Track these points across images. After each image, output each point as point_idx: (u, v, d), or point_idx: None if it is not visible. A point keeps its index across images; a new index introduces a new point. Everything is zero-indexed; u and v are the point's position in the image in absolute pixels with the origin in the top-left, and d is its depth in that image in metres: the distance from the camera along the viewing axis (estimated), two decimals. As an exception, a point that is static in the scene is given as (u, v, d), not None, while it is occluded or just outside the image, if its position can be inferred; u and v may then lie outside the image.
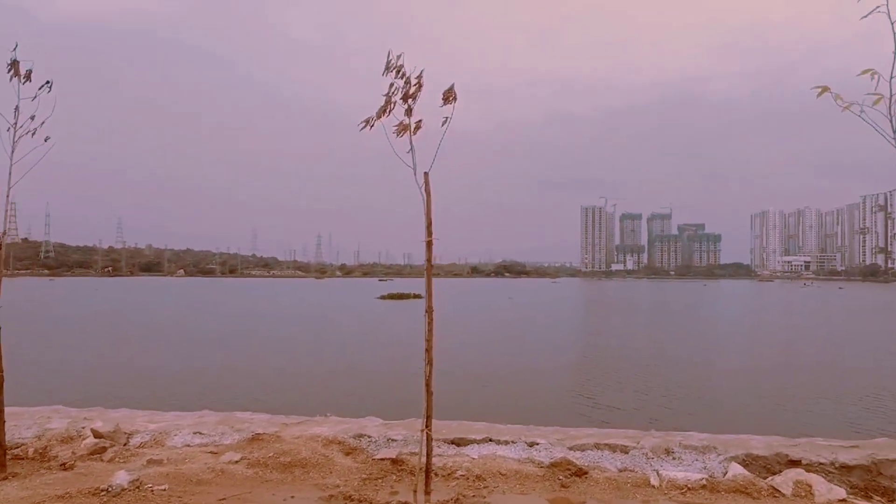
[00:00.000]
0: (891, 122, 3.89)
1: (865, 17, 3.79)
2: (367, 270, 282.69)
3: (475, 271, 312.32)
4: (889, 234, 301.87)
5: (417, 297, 68.31)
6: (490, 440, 5.03)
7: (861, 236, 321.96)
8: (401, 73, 4.62)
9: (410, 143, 4.57)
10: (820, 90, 3.93)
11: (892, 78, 3.85)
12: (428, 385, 4.29)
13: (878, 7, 3.67)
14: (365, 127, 4.72)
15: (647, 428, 8.13)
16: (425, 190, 4.46)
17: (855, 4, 3.72)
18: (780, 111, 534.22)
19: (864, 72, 3.93)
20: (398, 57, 4.63)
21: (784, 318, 47.19)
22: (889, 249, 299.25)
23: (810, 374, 19.04)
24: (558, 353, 23.37)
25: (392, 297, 66.99)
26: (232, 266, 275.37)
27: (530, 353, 23.60)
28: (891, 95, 3.87)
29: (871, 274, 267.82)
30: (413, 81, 4.61)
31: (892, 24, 3.72)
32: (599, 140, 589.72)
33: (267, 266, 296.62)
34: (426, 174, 4.48)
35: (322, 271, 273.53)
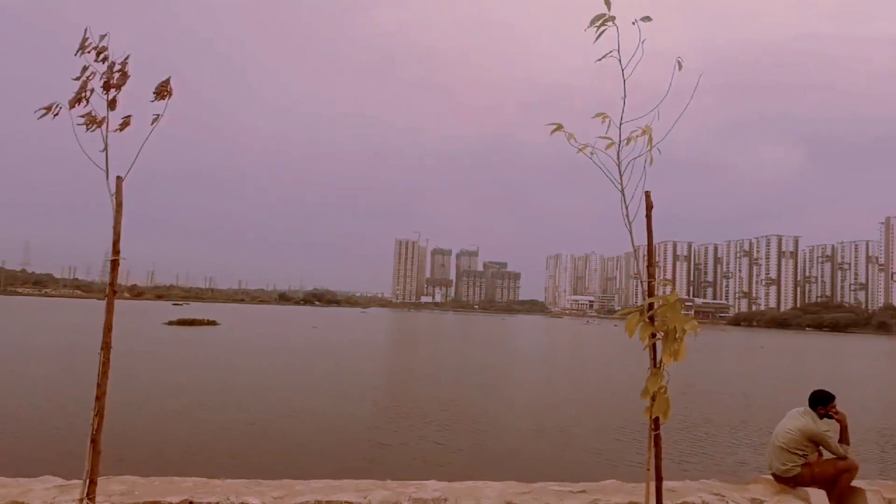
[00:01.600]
0: (619, 166, 3.93)
1: (600, 60, 3.81)
2: (162, 293, 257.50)
3: (283, 298, 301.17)
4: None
5: (212, 323, 63.48)
6: (190, 503, 4.15)
7: (635, 281, 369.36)
8: (102, 55, 3.73)
9: (105, 140, 3.67)
10: (554, 127, 3.85)
11: (621, 123, 3.91)
12: (95, 442, 3.33)
13: (610, 52, 3.68)
14: (46, 114, 3.74)
15: (412, 473, 7.71)
16: (116, 199, 3.57)
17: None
18: (576, 164, 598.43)
19: (597, 115, 3.94)
20: (102, 37, 3.74)
21: (568, 353, 51.50)
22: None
23: (583, 409, 20.43)
24: (352, 385, 22.57)
25: (182, 322, 61.27)
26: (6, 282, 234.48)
27: (317, 388, 22.50)
28: (619, 139, 3.92)
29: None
30: (117, 68, 3.75)
31: (623, 69, 3.77)
32: (417, 176, 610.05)
33: (40, 284, 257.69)
34: (119, 179, 3.60)
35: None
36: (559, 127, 3.82)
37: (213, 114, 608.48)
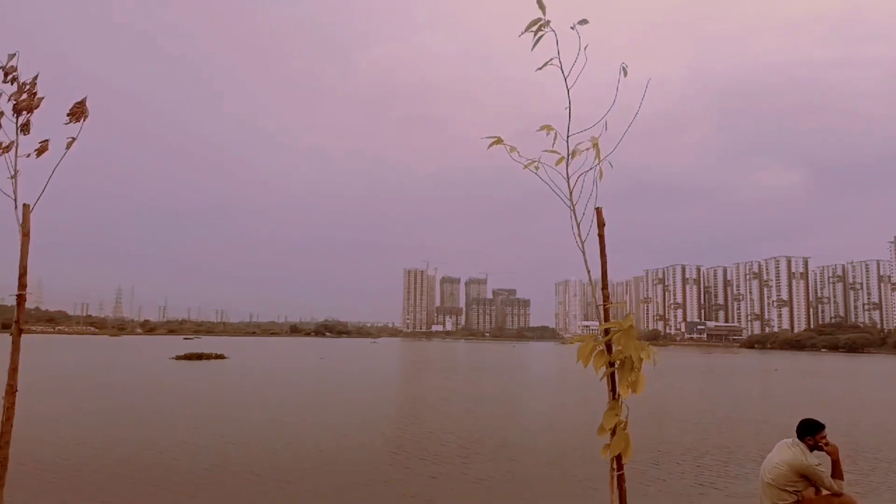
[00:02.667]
0: (567, 181, 3.65)
1: (540, 69, 3.57)
2: (174, 328, 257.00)
3: (294, 330, 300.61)
4: (666, 304, 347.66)
5: (220, 357, 63.13)
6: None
7: (644, 305, 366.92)
8: (10, 76, 3.53)
9: (14, 168, 3.44)
10: (493, 141, 3.59)
11: (568, 136, 3.65)
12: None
13: (551, 59, 3.44)
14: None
15: None
16: (23, 229, 3.32)
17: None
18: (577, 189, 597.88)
19: (542, 128, 3.68)
20: (11, 56, 3.55)
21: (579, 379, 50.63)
22: (666, 317, 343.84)
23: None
24: (354, 417, 22.08)
25: (189, 357, 60.93)
26: (6, 320, 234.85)
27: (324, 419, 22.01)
28: (568, 153, 3.65)
29: (653, 338, 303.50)
30: (26, 88, 3.54)
31: (565, 77, 3.52)
32: (420, 209, 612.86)
33: (53, 321, 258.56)
34: (27, 207, 3.36)
35: (121, 328, 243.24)
36: (498, 140, 3.57)
37: (212, 149, 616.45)
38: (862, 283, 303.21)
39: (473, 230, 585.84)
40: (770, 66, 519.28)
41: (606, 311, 3.49)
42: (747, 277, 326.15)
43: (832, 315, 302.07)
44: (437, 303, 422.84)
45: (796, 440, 5.22)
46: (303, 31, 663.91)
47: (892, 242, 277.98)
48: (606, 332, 3.39)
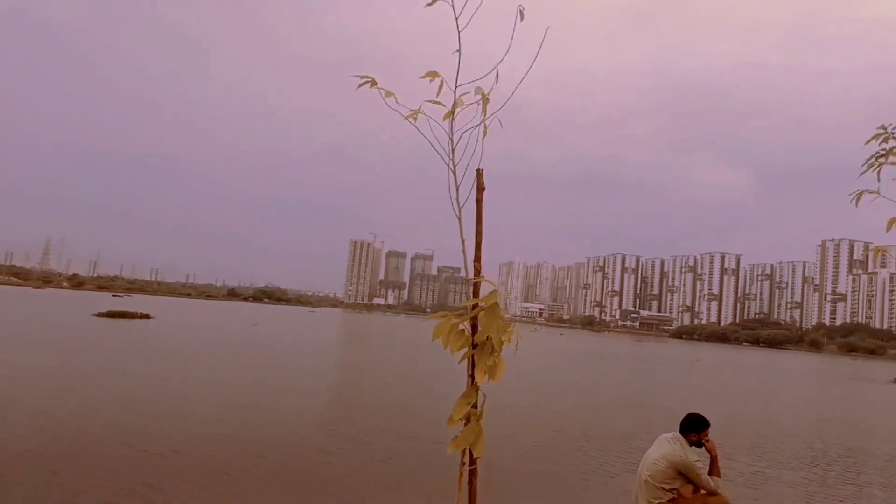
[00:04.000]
0: (450, 138, 3.22)
1: (430, 4, 3.11)
2: (105, 284, 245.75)
3: (232, 294, 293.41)
4: (604, 291, 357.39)
5: (145, 316, 60.77)
6: None
7: (584, 291, 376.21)
8: None
9: None
10: (364, 81, 3.10)
11: (456, 86, 3.20)
12: None
13: (437, -8, 2.96)
14: None
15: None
16: None
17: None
18: (532, 174, 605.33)
19: (427, 75, 3.22)
20: None
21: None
22: (603, 304, 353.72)
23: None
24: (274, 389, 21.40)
25: (112, 314, 58.35)
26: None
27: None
28: (454, 105, 3.20)
29: (589, 323, 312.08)
30: None
31: (457, 17, 3.06)
32: (375, 178, 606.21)
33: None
34: None
35: (46, 280, 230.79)
36: (373, 82, 3.08)
37: (161, 95, 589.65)
38: (787, 283, 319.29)
39: (424, 204, 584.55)
40: (725, 67, 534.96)
41: (476, 286, 3.07)
42: (683, 270, 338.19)
43: (757, 311, 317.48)
44: (382, 276, 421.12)
45: (677, 434, 5.00)
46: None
47: (818, 246, 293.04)
48: (475, 308, 2.97)
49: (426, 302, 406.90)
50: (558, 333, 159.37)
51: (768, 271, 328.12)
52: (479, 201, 3.17)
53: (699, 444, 4.88)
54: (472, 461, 2.94)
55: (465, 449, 2.87)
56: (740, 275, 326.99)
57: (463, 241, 3.20)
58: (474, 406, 2.91)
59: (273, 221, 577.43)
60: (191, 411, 15.42)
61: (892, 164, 3.52)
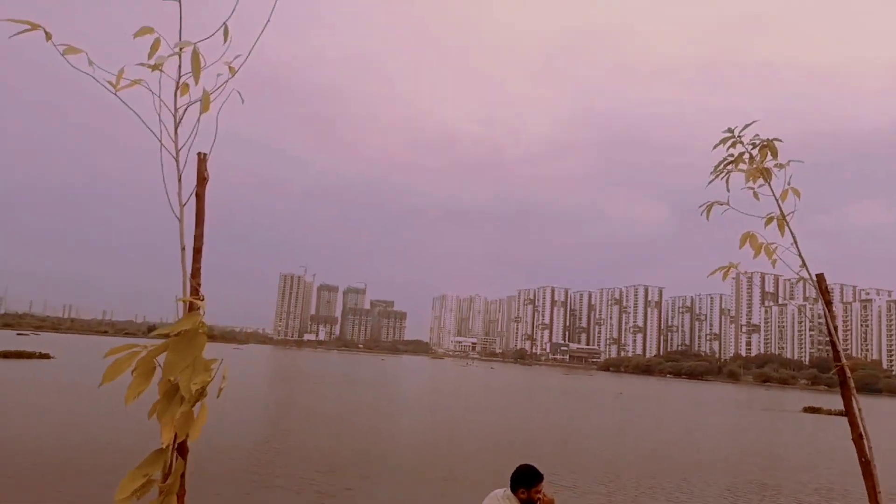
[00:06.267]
0: (174, 114, 2.46)
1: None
2: (11, 321, 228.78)
3: (152, 331, 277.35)
4: (535, 324, 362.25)
5: (45, 356, 56.23)
6: None
7: (515, 324, 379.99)
8: None
9: None
10: (66, 48, 2.30)
11: (180, 48, 2.47)
12: None
13: None
14: None
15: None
16: None
17: None
18: (467, 206, 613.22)
19: (140, 31, 2.48)
20: None
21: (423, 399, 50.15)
22: (534, 337, 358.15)
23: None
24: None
25: (6, 354, 53.72)
26: None
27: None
28: (179, 74, 2.46)
29: (520, 357, 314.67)
30: None
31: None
32: (305, 210, 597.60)
33: None
34: None
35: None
36: (72, 49, 2.26)
37: (108, 119, 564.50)
38: (706, 315, 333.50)
39: (358, 238, 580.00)
40: (644, 106, 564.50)
41: (192, 303, 2.26)
42: (609, 303, 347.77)
43: (679, 343, 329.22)
44: (313, 310, 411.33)
45: (508, 492, 4.29)
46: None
47: (733, 279, 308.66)
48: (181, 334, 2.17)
49: (359, 337, 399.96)
50: (489, 367, 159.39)
51: (688, 304, 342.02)
52: (199, 196, 2.39)
53: (530, 502, 4.16)
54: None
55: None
56: (663, 307, 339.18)
57: (182, 250, 2.39)
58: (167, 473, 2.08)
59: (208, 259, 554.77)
60: None
61: (741, 171, 3.00)
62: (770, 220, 2.80)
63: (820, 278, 2.76)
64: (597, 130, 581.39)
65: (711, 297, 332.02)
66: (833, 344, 2.74)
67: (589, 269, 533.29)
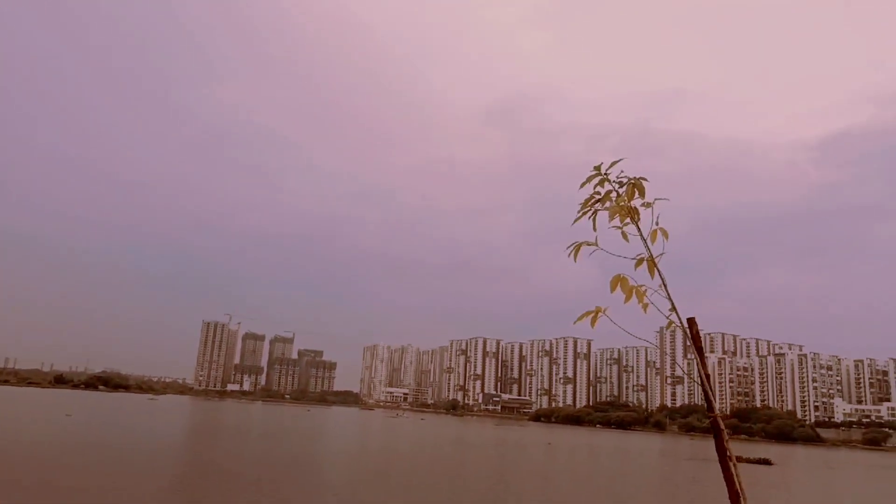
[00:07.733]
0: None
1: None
2: None
3: (60, 381, 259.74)
4: (467, 375, 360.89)
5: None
6: None
7: (447, 375, 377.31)
8: None
9: None
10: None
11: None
12: None
13: None
14: None
15: None
16: None
17: None
18: (403, 256, 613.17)
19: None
20: None
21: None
22: (466, 388, 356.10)
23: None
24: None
25: None
26: None
27: None
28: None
29: (453, 408, 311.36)
30: None
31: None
32: (234, 256, 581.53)
33: None
34: None
35: None
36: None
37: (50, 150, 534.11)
38: (633, 367, 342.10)
39: (286, 288, 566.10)
40: (572, 164, 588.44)
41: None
42: (539, 354, 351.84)
43: (608, 394, 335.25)
44: (237, 360, 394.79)
45: None
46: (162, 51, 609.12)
47: (657, 332, 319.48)
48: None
49: (286, 388, 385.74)
50: (419, 419, 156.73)
51: (616, 355, 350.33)
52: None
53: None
54: None
55: None
56: (592, 359, 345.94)
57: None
58: None
59: (119, 298, 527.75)
60: None
61: (607, 209, 2.89)
62: (640, 261, 2.68)
63: (691, 322, 2.64)
64: (528, 186, 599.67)
65: (637, 350, 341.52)
66: (706, 392, 2.61)
67: (520, 321, 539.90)
